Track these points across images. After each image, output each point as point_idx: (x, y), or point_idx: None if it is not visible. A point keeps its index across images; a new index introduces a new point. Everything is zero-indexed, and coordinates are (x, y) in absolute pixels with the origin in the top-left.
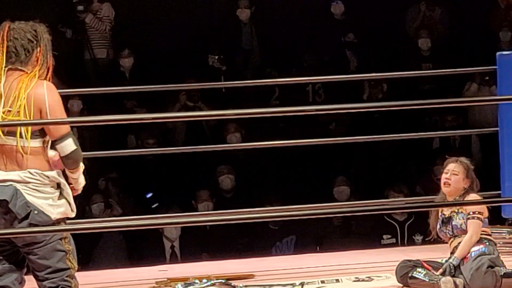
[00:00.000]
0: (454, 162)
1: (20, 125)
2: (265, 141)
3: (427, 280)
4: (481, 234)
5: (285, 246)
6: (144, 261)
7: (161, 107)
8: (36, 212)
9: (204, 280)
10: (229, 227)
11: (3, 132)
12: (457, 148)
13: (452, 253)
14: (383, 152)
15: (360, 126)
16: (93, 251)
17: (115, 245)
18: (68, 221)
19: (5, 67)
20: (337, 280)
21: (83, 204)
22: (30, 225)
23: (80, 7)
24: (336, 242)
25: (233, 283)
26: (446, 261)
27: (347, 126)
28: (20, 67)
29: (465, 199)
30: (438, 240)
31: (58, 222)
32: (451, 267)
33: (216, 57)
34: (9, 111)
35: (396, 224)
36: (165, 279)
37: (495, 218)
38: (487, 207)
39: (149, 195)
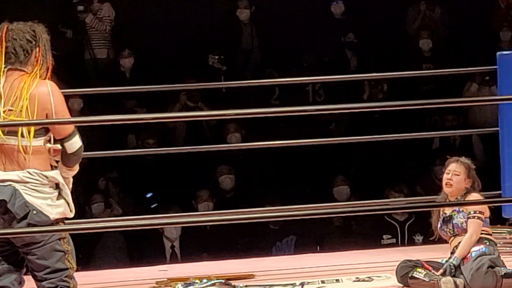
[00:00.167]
0: (455, 162)
1: (24, 125)
2: (265, 141)
3: (428, 280)
4: (482, 233)
5: (285, 246)
6: (144, 261)
7: (161, 107)
8: (35, 212)
9: (204, 280)
10: (229, 227)
11: (3, 131)
12: (458, 148)
13: (452, 252)
14: (383, 152)
15: (360, 126)
16: (93, 251)
17: (115, 245)
18: (68, 221)
19: (4, 67)
20: (337, 280)
21: (83, 204)
22: (29, 225)
23: (81, 7)
24: (336, 242)
25: (233, 283)
26: (447, 261)
27: (347, 126)
28: (19, 67)
29: (467, 198)
30: (439, 240)
31: (57, 222)
32: (452, 267)
33: (216, 57)
34: (10, 110)
35: (396, 224)
36: (165, 279)
37: (496, 218)
38: (488, 206)
39: (149, 195)
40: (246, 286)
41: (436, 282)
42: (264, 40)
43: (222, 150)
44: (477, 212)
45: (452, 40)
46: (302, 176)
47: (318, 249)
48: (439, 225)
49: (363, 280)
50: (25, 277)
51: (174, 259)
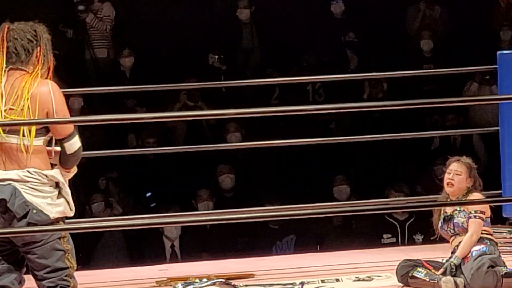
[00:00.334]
0: (457, 162)
1: (24, 124)
2: (265, 141)
3: (428, 279)
4: (483, 233)
5: (285, 246)
6: (144, 260)
7: (162, 107)
8: (34, 211)
9: (204, 280)
10: (229, 227)
11: (4, 130)
12: (458, 147)
13: (453, 252)
14: (383, 152)
15: (360, 125)
16: (94, 251)
17: (115, 244)
18: (68, 220)
19: (5, 67)
20: (337, 280)
21: (83, 203)
22: (29, 224)
23: (81, 7)
24: (336, 241)
25: (233, 282)
26: (447, 260)
27: (347, 126)
28: (21, 67)
29: (468, 198)
30: (439, 239)
31: (57, 221)
32: (452, 267)
33: (216, 56)
34: (11, 109)
35: (396, 224)
36: (165, 279)
37: (496, 217)
38: (490, 207)
39: (148, 194)
40: (246, 285)
41: (436, 281)
42: (264, 40)
43: (222, 150)
44: (478, 211)
45: (452, 39)
46: (302, 176)
47: (318, 248)
48: (440, 225)
49: (363, 280)
50: (25, 276)
51: (174, 259)
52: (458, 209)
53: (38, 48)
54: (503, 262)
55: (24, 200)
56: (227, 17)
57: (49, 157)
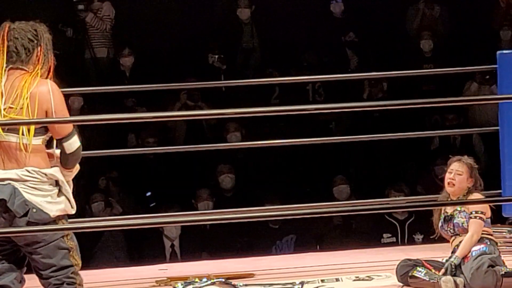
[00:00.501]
0: (458, 161)
1: (24, 123)
2: (265, 140)
3: (428, 279)
4: (483, 234)
5: (285, 245)
6: (144, 260)
7: (161, 106)
8: (34, 210)
9: (204, 279)
10: (229, 226)
11: (3, 129)
12: (458, 147)
13: (453, 251)
14: (383, 151)
15: (360, 125)
16: (93, 250)
17: (115, 244)
18: (68, 220)
19: (6, 66)
20: (337, 279)
21: (83, 203)
22: (29, 223)
23: (81, 6)
24: (336, 241)
25: (233, 282)
26: (447, 260)
27: (347, 125)
28: (21, 66)
29: (468, 198)
30: (439, 239)
31: (58, 219)
32: (452, 266)
33: (217, 56)
34: (11, 108)
35: (396, 223)
36: (165, 278)
37: (496, 217)
38: (490, 207)
39: (148, 194)
40: (246, 285)
41: (436, 281)
42: (264, 40)
43: (222, 149)
44: (479, 212)
45: (452, 39)
46: (302, 175)
47: (318, 248)
48: (440, 224)
49: (363, 279)
50: (26, 276)
51: (174, 258)
52: (459, 209)
53: (39, 48)
54: (503, 262)
55: (23, 199)
56: (227, 17)
57: (50, 159)
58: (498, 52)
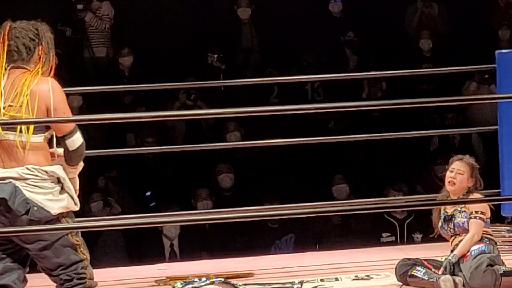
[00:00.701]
0: (460, 161)
1: (24, 123)
2: (264, 140)
3: (427, 278)
4: (482, 234)
5: (284, 245)
6: (144, 259)
7: (161, 106)
8: (35, 208)
9: (203, 279)
10: (228, 226)
11: (2, 128)
12: (457, 146)
13: (452, 251)
14: (382, 151)
15: (359, 124)
16: (92, 250)
17: (114, 243)
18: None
19: (7, 65)
20: (337, 279)
21: (82, 202)
22: (30, 221)
23: (80, 6)
24: (336, 240)
25: (232, 281)
26: (446, 259)
27: (346, 125)
28: (22, 65)
29: (468, 198)
30: (438, 238)
31: (62, 217)
32: (450, 265)
33: (216, 55)
34: (11, 106)
35: (395, 222)
36: (164, 278)
37: (495, 216)
38: (489, 207)
39: (148, 193)
40: (245, 284)
41: (435, 280)
42: (263, 39)
43: (221, 149)
44: (479, 212)
45: (451, 39)
46: (301, 175)
47: (317, 247)
48: (440, 224)
49: (362, 279)
50: (30, 275)
51: (173, 258)
52: (459, 209)
53: (40, 47)
54: (502, 261)
55: (24, 197)
56: (227, 16)
57: (52, 159)
58: (497, 51)
